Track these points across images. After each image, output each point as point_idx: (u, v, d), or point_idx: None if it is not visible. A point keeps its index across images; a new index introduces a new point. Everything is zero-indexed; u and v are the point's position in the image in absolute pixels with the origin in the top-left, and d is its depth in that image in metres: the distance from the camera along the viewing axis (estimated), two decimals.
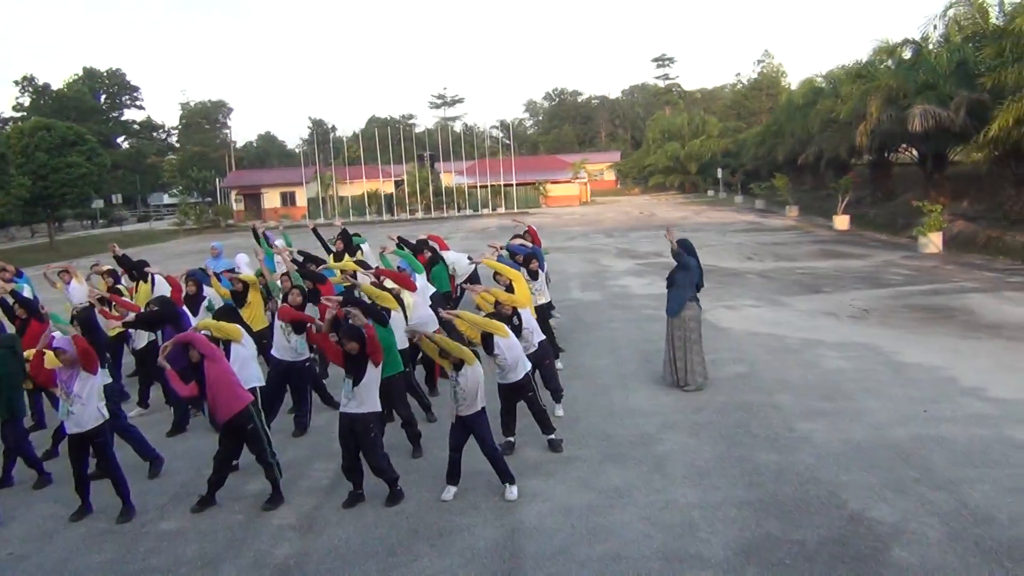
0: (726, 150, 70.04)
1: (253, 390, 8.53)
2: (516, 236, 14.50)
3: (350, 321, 8.36)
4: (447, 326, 8.83)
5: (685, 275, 10.67)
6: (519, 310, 9.41)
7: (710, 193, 70.81)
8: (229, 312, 9.33)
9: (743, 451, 8.60)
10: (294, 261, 11.77)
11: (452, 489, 7.82)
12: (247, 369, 8.61)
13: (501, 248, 13.15)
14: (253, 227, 15.17)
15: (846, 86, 33.36)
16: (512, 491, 7.69)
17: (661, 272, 22.84)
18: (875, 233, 30.78)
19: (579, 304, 18.37)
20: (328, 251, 14.62)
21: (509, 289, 9.85)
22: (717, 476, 7.97)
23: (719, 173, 66.27)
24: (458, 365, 7.68)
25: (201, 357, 7.68)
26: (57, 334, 8.59)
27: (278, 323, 9.91)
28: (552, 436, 9.00)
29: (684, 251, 10.78)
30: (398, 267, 11.65)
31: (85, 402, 7.65)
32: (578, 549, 6.63)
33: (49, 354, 8.11)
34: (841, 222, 33.50)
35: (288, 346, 9.84)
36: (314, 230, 15.44)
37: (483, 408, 7.75)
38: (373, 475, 7.73)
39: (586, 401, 10.67)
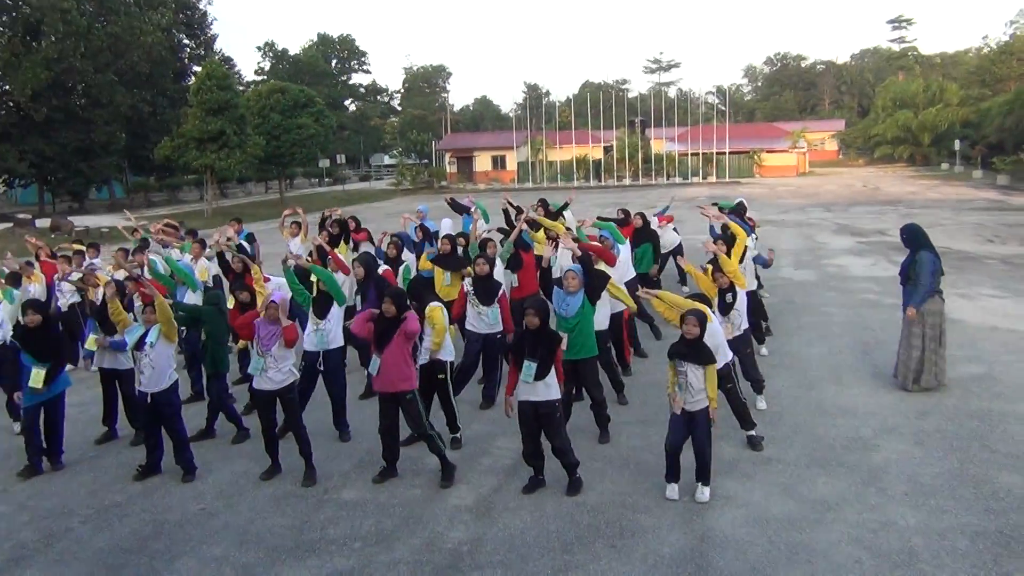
0: (966, 120, 63.95)
1: (443, 363, 8.34)
2: (732, 212, 13.49)
3: (564, 284, 7.87)
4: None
5: (919, 267, 9.39)
6: (736, 288, 8.63)
7: (944, 167, 64.90)
8: (423, 283, 9.14)
9: (979, 469, 7.43)
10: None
11: (675, 487, 7.11)
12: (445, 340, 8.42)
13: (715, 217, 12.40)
14: (447, 199, 15.37)
15: None
16: (704, 492, 6.99)
17: (886, 252, 21.04)
18: None
19: (790, 283, 17.08)
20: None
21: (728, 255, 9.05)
22: (945, 497, 6.90)
23: (956, 145, 60.54)
24: (690, 349, 6.89)
25: (398, 321, 7.43)
26: (273, 286, 8.80)
27: (468, 295, 9.64)
28: (752, 432, 8.19)
29: (912, 240, 9.53)
30: (600, 237, 11.08)
31: (279, 364, 7.74)
32: (775, 570, 5.88)
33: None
34: None
35: (479, 318, 9.57)
36: (508, 200, 15.24)
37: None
38: (553, 457, 7.28)
39: (792, 395, 9.72)
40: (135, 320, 8.59)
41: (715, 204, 15.38)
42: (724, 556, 6.09)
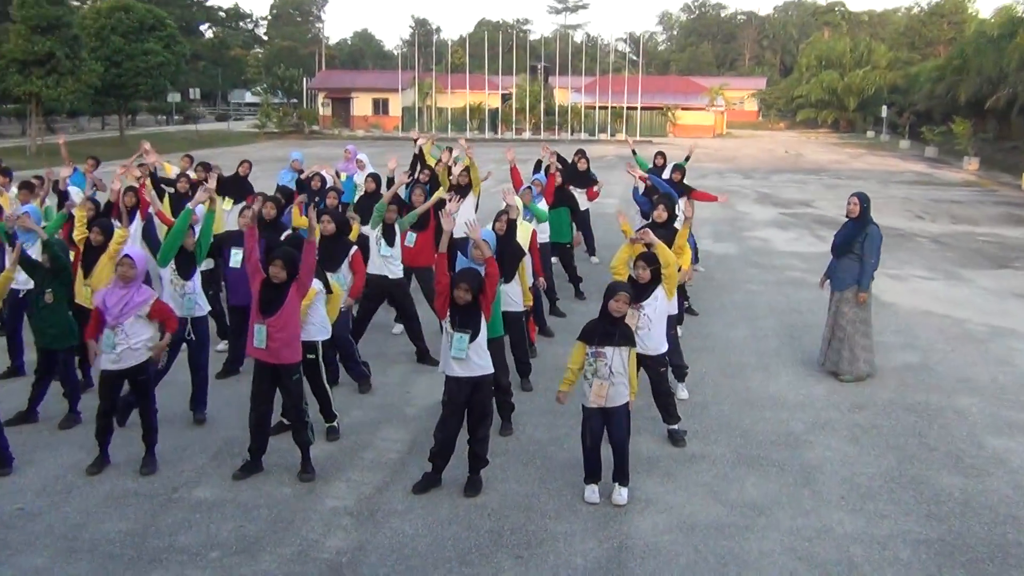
0: (894, 85, 66.64)
1: (313, 343, 8.02)
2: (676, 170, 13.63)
3: (471, 251, 7.59)
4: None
5: (870, 242, 9.55)
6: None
7: (870, 134, 67.60)
8: (297, 243, 8.76)
9: (918, 469, 7.63)
10: None
11: (595, 488, 7.01)
12: (317, 315, 8.11)
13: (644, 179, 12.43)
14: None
15: None
16: (622, 494, 6.91)
17: (810, 226, 21.64)
18: None
19: (709, 257, 17.27)
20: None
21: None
22: (884, 500, 7.05)
23: (883, 112, 63.03)
24: (616, 329, 6.77)
25: (293, 272, 7.08)
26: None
27: None
28: (675, 427, 8.16)
29: (868, 210, 9.69)
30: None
31: (132, 340, 7.20)
32: None
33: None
34: None
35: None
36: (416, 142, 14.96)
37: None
38: (472, 447, 7.05)
39: (716, 383, 9.80)
40: None
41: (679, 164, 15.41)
42: (645, 567, 6.03)
